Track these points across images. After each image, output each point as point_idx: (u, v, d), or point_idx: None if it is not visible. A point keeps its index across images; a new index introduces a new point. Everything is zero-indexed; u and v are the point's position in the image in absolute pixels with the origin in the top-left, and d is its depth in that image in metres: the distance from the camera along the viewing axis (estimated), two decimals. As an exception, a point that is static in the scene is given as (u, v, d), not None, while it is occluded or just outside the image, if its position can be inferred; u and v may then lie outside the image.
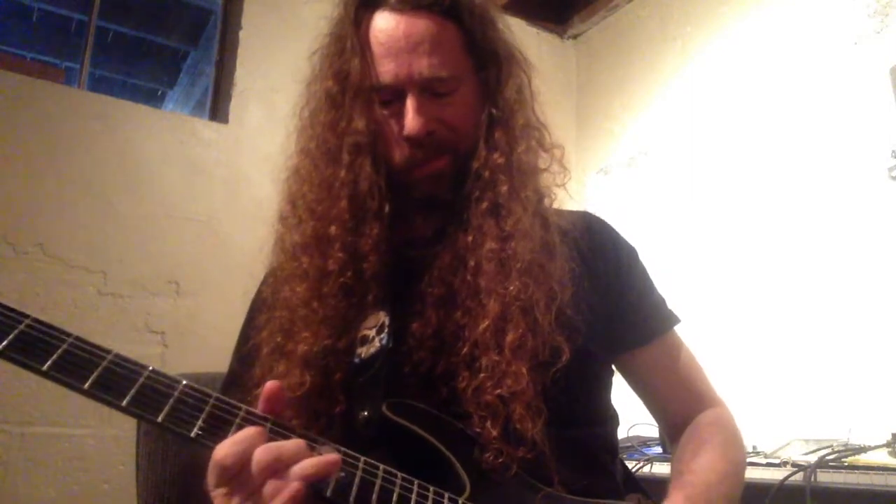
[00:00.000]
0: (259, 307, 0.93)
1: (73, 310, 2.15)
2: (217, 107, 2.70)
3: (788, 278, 2.38)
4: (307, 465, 0.63)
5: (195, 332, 2.27)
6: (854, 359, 2.15)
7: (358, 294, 0.86)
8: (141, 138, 2.41)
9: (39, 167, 2.21)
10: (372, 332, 0.85)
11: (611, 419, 0.96)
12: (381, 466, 0.70)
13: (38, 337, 0.62)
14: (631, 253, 1.01)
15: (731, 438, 0.92)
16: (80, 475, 2.09)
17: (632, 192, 3.12)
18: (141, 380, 0.64)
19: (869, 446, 1.67)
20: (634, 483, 0.93)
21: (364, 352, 0.85)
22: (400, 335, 0.84)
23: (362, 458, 0.69)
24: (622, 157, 3.21)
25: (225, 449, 0.63)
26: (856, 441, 1.83)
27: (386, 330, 0.84)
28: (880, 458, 1.59)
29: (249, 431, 0.64)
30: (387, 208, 0.87)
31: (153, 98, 5.62)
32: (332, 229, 0.86)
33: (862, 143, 2.26)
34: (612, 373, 0.99)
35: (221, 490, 0.63)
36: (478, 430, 0.78)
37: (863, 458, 1.59)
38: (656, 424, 2.04)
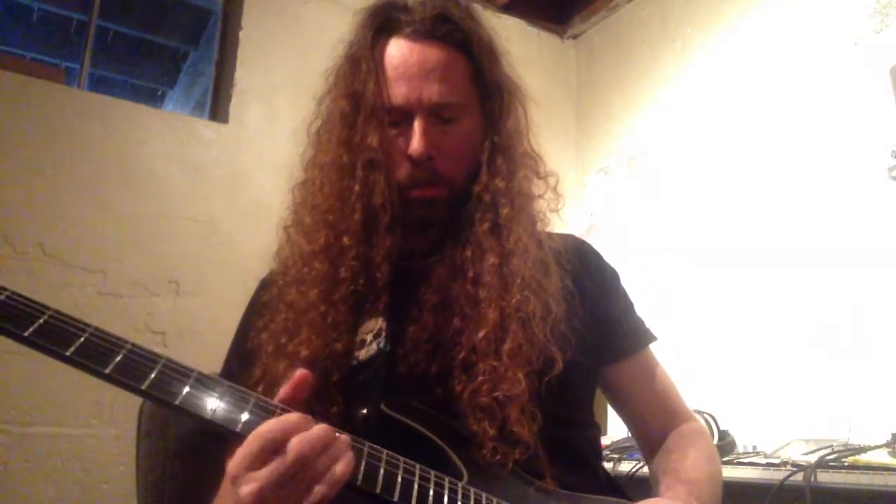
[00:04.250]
0: (259, 311, 0.95)
1: (73, 310, 2.09)
2: (217, 107, 2.70)
3: (789, 278, 2.37)
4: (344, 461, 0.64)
5: (195, 332, 2.27)
6: (854, 359, 2.15)
7: (369, 301, 0.90)
8: (141, 138, 2.41)
9: (39, 167, 2.21)
10: (369, 337, 0.89)
11: (595, 426, 1.01)
12: (385, 451, 0.72)
13: (61, 326, 0.67)
14: (614, 275, 1.08)
15: (711, 449, 1.00)
16: (80, 475, 2.09)
17: (632, 192, 3.12)
18: (157, 367, 0.67)
19: (869, 446, 1.67)
20: (617, 486, 0.97)
21: (362, 354, 0.88)
22: (397, 339, 0.88)
23: (367, 444, 0.71)
24: (622, 157, 3.21)
25: (270, 425, 0.63)
26: (856, 441, 1.83)
27: (383, 334, 0.88)
28: (880, 458, 1.59)
29: (294, 416, 0.65)
30: (397, 222, 0.91)
31: (153, 98, 5.62)
32: (345, 239, 0.89)
33: (862, 143, 2.25)
34: (597, 383, 1.04)
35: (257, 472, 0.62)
36: (474, 428, 0.81)
37: (863, 458, 1.59)
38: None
